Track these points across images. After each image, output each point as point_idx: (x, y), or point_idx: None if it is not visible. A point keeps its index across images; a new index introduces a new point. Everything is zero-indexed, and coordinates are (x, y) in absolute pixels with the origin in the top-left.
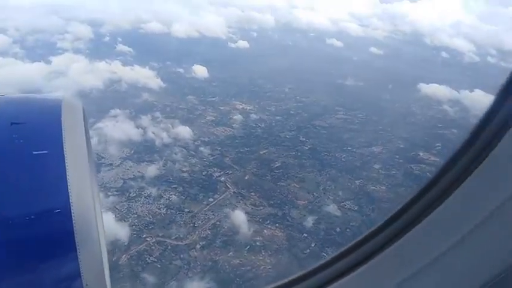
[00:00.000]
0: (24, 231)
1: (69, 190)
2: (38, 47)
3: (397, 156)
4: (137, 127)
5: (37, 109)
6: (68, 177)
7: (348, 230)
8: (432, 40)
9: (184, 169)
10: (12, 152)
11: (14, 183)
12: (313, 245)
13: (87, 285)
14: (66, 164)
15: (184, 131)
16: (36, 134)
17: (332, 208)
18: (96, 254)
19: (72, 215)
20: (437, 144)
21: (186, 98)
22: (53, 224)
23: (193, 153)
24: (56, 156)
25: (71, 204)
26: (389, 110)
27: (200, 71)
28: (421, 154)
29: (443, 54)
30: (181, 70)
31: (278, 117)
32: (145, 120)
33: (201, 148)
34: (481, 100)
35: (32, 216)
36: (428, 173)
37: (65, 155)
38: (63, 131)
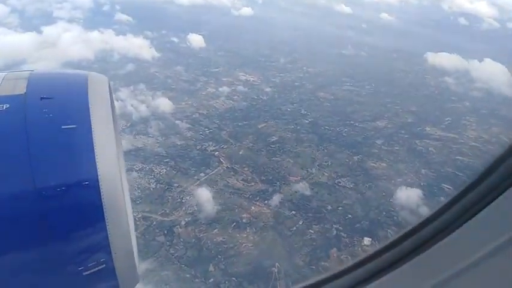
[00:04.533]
0: (55, 203)
1: (96, 163)
2: (36, 17)
3: (403, 131)
4: (135, 98)
5: (65, 84)
6: (95, 150)
7: (339, 208)
8: (450, 6)
9: (178, 143)
10: (43, 126)
11: (44, 156)
12: (300, 223)
13: (115, 253)
14: (94, 138)
15: (183, 104)
16: (65, 109)
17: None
18: (123, 224)
19: (100, 187)
20: (447, 119)
21: (188, 68)
22: (81, 196)
23: (190, 126)
24: (84, 130)
25: (99, 176)
26: (401, 81)
27: (196, 40)
28: (427, 129)
29: (462, 20)
30: (175, 39)
31: (281, 89)
32: (139, 92)
33: (199, 121)
34: (489, 71)
35: (62, 188)
36: (432, 149)
37: (92, 129)
38: (89, 106)
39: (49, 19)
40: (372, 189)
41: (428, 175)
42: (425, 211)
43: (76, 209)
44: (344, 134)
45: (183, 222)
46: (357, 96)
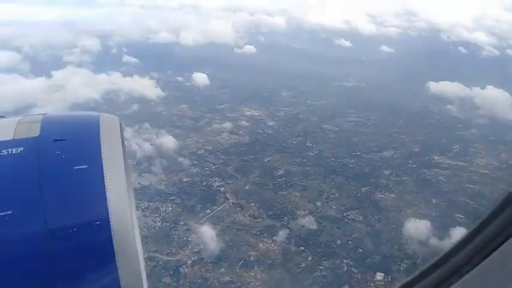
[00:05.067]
0: (66, 243)
1: (108, 203)
2: (47, 63)
3: (410, 161)
4: (139, 137)
5: (77, 126)
6: (106, 190)
7: (349, 242)
8: (449, 36)
9: (184, 179)
10: (56, 167)
11: (57, 197)
12: (309, 259)
13: None
14: (105, 178)
15: (189, 140)
16: (77, 150)
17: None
18: (135, 264)
19: (111, 227)
20: (455, 147)
21: (193, 106)
22: (92, 236)
23: (196, 162)
24: (95, 171)
25: (110, 216)
26: (405, 110)
27: (200, 78)
28: (436, 158)
29: (461, 49)
30: (180, 78)
31: (286, 122)
32: (146, 130)
33: (204, 157)
34: (493, 97)
35: (74, 229)
36: (441, 178)
37: (104, 169)
38: (101, 147)
39: (59, 64)
40: (382, 221)
41: (440, 205)
42: (435, 242)
43: (87, 250)
44: (351, 166)
45: (189, 262)
46: (362, 127)
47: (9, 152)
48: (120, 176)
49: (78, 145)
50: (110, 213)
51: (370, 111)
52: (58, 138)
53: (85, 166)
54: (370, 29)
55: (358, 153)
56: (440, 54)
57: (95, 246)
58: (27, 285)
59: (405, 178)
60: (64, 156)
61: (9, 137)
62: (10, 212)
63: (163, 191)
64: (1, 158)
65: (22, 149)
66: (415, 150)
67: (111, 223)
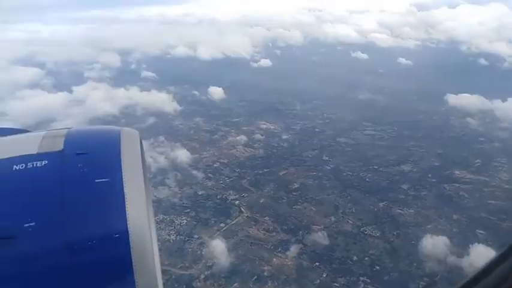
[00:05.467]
0: (85, 255)
1: (127, 217)
2: (68, 78)
3: (430, 175)
4: (153, 151)
5: (99, 140)
6: (126, 204)
7: (366, 258)
8: (469, 47)
9: (199, 193)
10: (77, 180)
11: (78, 209)
12: (324, 275)
13: None
14: (125, 192)
15: (205, 153)
16: (98, 163)
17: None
18: (152, 278)
19: (130, 240)
20: (477, 161)
21: (209, 120)
22: (111, 249)
23: (211, 175)
24: (116, 184)
25: (129, 230)
26: (424, 123)
27: (216, 92)
28: (456, 172)
29: (482, 61)
30: (196, 92)
31: (302, 136)
32: (158, 143)
33: (220, 170)
34: None
35: (94, 241)
36: (462, 193)
37: (124, 183)
38: (122, 160)
39: (80, 79)
40: (400, 237)
41: (461, 221)
42: (453, 260)
43: (106, 262)
44: (368, 180)
45: (202, 276)
46: (379, 141)
47: (34, 165)
48: (140, 189)
49: (99, 158)
50: (129, 227)
51: (387, 124)
52: (80, 152)
53: (106, 179)
54: (388, 41)
55: (375, 167)
56: (460, 66)
57: (113, 259)
58: None
59: (424, 193)
60: (86, 169)
61: (35, 151)
62: (33, 223)
63: (178, 204)
64: (26, 171)
65: (46, 162)
66: (435, 164)
67: (130, 236)
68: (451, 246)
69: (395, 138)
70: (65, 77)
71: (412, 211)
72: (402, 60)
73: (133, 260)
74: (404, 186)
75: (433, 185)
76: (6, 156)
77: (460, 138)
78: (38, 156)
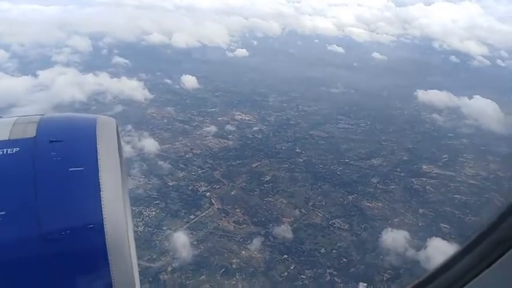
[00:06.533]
0: (59, 245)
1: (102, 206)
2: (34, 62)
3: (399, 169)
4: (124, 139)
5: (74, 128)
6: (101, 193)
7: (333, 251)
8: (442, 44)
9: (170, 184)
10: (51, 168)
11: (51, 198)
12: (292, 267)
13: None
14: (100, 181)
15: (177, 144)
16: (73, 152)
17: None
18: (128, 268)
19: (105, 230)
20: (444, 156)
21: (182, 109)
22: (86, 239)
23: (183, 166)
24: (91, 173)
25: (104, 220)
26: (396, 118)
27: (190, 81)
28: (424, 167)
29: (453, 58)
30: (168, 81)
31: (276, 128)
32: (125, 132)
33: (192, 161)
34: (480, 107)
35: (67, 232)
36: (429, 187)
37: (99, 172)
38: (97, 149)
39: (47, 63)
40: (368, 230)
41: (427, 215)
42: (412, 253)
43: (80, 253)
44: (339, 173)
45: (169, 269)
46: (352, 134)
47: (5, 152)
48: (116, 178)
49: (74, 147)
50: (104, 217)
51: (360, 118)
52: (54, 140)
53: (81, 168)
54: (364, 36)
55: (346, 160)
56: (432, 62)
57: (88, 250)
58: (19, 287)
59: (393, 187)
60: (60, 157)
61: (5, 137)
62: (3, 212)
63: (147, 195)
64: None
65: (18, 149)
66: (404, 158)
67: (105, 226)
68: (412, 240)
69: (367, 132)
70: (30, 60)
71: (381, 204)
72: (377, 55)
73: (108, 251)
74: (374, 180)
75: (402, 179)
76: None
77: (430, 134)
78: (9, 143)
